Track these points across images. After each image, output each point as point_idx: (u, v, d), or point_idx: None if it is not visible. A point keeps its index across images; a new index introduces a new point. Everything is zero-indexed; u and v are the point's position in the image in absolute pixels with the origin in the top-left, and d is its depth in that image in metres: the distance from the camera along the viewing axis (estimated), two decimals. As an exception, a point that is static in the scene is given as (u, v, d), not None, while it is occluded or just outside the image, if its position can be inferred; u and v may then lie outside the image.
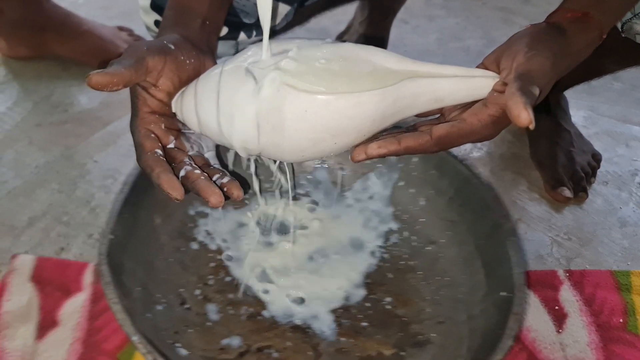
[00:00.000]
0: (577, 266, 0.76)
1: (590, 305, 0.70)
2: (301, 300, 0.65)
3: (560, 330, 0.67)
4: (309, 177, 0.79)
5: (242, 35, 0.75)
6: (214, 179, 0.51)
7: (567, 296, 0.71)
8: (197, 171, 0.49)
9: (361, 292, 0.66)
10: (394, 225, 0.74)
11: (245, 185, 0.72)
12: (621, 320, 0.68)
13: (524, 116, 0.42)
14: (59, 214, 0.79)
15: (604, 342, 0.66)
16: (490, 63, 0.51)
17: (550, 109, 0.93)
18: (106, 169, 0.88)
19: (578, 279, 0.73)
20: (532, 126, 0.42)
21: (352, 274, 0.68)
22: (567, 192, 0.85)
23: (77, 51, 1.09)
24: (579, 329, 0.67)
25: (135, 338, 0.49)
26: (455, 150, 0.64)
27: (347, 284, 0.67)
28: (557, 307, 0.69)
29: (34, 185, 0.84)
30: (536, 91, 0.45)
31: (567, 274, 0.73)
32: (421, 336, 0.62)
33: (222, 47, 0.76)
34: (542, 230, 0.82)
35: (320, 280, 0.67)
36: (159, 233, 0.67)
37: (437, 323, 0.63)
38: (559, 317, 0.68)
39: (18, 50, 1.10)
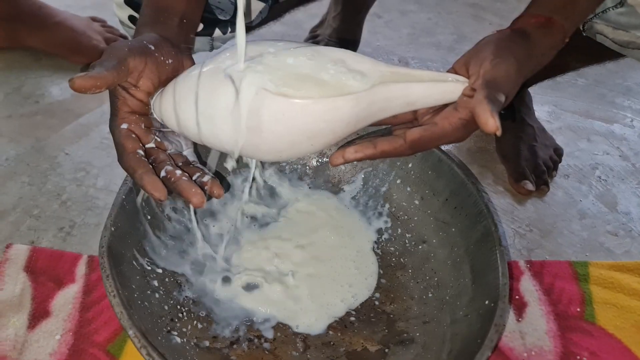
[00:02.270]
0: (538, 257, 0.79)
1: (549, 294, 0.72)
2: (300, 302, 0.66)
3: (520, 319, 0.69)
4: (308, 170, 0.80)
5: (217, 32, 0.76)
6: (194, 177, 0.51)
7: (527, 286, 0.73)
8: (178, 171, 0.50)
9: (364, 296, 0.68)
10: (388, 222, 0.75)
11: (225, 182, 0.73)
12: (578, 309, 0.71)
13: (490, 123, 0.44)
14: (29, 207, 0.79)
15: (561, 330, 0.68)
16: (460, 67, 0.53)
17: (515, 115, 0.96)
18: (78, 161, 0.88)
19: (538, 270, 0.76)
20: (499, 133, 0.44)
21: (356, 279, 0.69)
22: (529, 185, 0.87)
23: (49, 42, 1.09)
24: (538, 317, 0.70)
25: (131, 332, 0.50)
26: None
27: (350, 291, 0.68)
28: (517, 297, 0.72)
29: (3, 178, 0.83)
30: (502, 98, 0.47)
31: (528, 265, 0.76)
32: (406, 334, 0.63)
33: (198, 43, 0.77)
34: (505, 222, 0.84)
35: (319, 285, 0.68)
36: (160, 221, 0.67)
37: (422, 323, 0.64)
38: (519, 307, 0.71)
39: (-12, 41, 1.09)
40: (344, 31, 1.18)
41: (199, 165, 0.55)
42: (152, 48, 0.52)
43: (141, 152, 0.50)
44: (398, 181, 0.76)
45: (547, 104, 1.12)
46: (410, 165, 0.75)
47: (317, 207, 0.76)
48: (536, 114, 1.01)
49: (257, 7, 0.77)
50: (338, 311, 0.65)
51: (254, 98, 0.47)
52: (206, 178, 0.51)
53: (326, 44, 1.18)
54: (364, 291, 0.68)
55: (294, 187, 0.79)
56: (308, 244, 0.72)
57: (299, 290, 0.66)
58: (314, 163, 0.80)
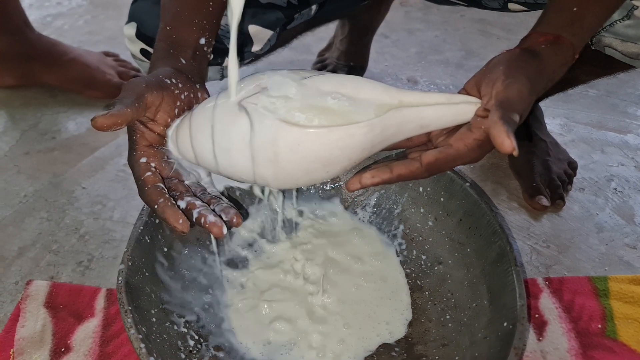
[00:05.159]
0: (556, 273, 0.78)
1: (569, 312, 0.72)
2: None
3: (540, 338, 0.69)
4: (321, 194, 0.80)
5: (227, 61, 0.77)
6: (212, 207, 0.52)
7: (547, 304, 0.72)
8: (198, 202, 0.51)
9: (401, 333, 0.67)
10: (403, 244, 0.75)
11: (243, 210, 0.74)
12: (600, 325, 0.70)
13: (507, 144, 0.44)
14: (48, 242, 0.80)
15: (583, 348, 0.67)
16: (471, 88, 0.53)
17: (531, 135, 0.95)
18: (95, 195, 0.89)
19: (557, 286, 0.75)
20: (515, 153, 0.44)
21: (393, 316, 0.68)
22: (544, 201, 0.87)
23: (64, 79, 1.11)
24: (559, 336, 0.69)
25: None
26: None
27: (387, 329, 0.67)
28: (537, 315, 0.71)
29: (23, 215, 0.85)
30: (516, 118, 0.47)
31: (546, 282, 0.75)
32: (425, 358, 0.63)
33: (209, 72, 0.78)
34: (521, 239, 0.83)
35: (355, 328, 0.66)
36: (176, 252, 0.68)
37: (441, 345, 0.63)
38: (539, 325, 0.70)
39: (5, 79, 1.12)
40: (352, 53, 1.19)
41: (217, 194, 0.56)
42: (168, 82, 0.53)
43: (161, 185, 0.51)
44: (411, 203, 0.76)
45: (558, 117, 1.11)
46: (422, 187, 0.75)
47: (340, 235, 0.76)
48: (548, 127, 1.00)
49: (266, 35, 0.78)
50: (372, 345, 0.65)
51: (269, 129, 0.48)
52: (225, 207, 0.52)
53: (334, 67, 1.19)
54: (401, 328, 0.67)
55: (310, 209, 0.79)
56: (339, 286, 0.71)
57: (334, 331, 0.65)
58: (327, 187, 0.80)
